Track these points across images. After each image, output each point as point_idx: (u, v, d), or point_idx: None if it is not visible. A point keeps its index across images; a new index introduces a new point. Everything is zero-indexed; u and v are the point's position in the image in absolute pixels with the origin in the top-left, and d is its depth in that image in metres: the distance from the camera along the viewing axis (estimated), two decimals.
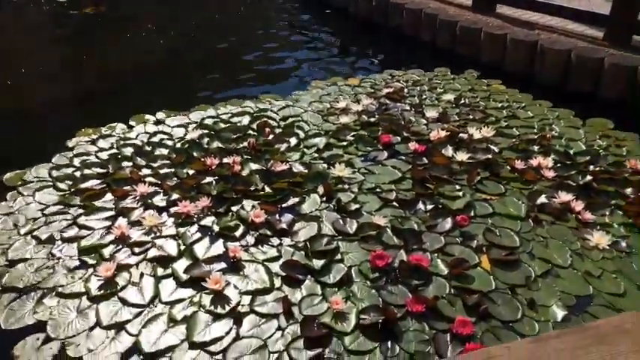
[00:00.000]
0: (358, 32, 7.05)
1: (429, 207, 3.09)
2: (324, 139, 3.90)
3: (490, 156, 3.61)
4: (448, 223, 2.93)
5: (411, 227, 2.91)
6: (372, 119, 4.20)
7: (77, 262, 2.68)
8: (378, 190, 3.28)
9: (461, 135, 3.89)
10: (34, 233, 2.87)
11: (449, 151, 3.67)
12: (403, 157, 3.65)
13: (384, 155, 3.69)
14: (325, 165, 3.56)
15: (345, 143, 3.86)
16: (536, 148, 3.77)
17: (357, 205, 3.11)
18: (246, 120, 4.25)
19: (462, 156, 3.55)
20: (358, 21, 7.08)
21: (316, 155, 3.71)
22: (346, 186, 3.32)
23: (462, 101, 4.56)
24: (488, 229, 2.89)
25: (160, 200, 3.18)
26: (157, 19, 7.37)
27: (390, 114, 4.32)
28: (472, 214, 3.03)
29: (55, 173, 3.45)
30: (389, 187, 3.31)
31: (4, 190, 3.28)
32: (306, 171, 3.48)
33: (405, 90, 4.81)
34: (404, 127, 4.05)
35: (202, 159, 3.58)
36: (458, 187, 3.29)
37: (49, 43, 6.62)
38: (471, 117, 4.25)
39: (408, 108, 4.45)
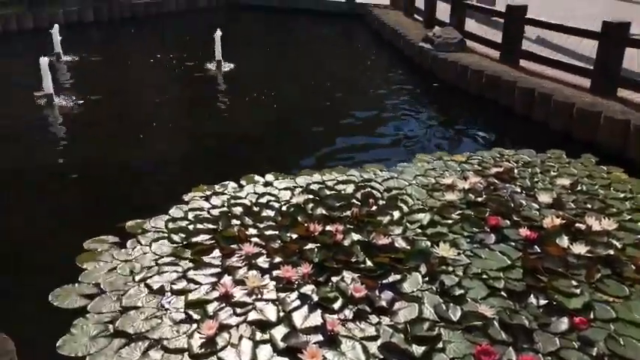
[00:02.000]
0: (466, 107, 7.02)
1: (542, 302, 2.88)
2: (428, 216, 3.83)
3: (612, 252, 3.33)
4: (564, 324, 2.70)
5: (521, 323, 2.72)
6: (480, 199, 4.08)
7: (183, 316, 2.78)
8: (484, 276, 3.13)
9: (578, 225, 3.64)
10: (147, 282, 3.04)
11: (564, 241, 3.44)
12: (513, 243, 3.48)
13: (492, 239, 3.53)
14: (429, 243, 3.48)
15: (450, 222, 3.76)
16: None
17: (462, 291, 2.98)
18: (350, 188, 4.30)
19: (580, 249, 3.31)
20: (467, 96, 7.06)
21: (419, 231, 3.65)
22: (450, 268, 3.20)
23: (579, 188, 4.31)
24: (610, 337, 2.63)
25: (263, 262, 3.25)
26: (275, 83, 7.83)
27: (498, 195, 4.17)
28: (591, 316, 2.78)
29: (170, 225, 3.67)
30: (497, 274, 3.14)
31: (126, 236, 3.53)
32: (409, 247, 3.41)
33: (516, 171, 4.65)
34: (514, 211, 3.88)
35: (306, 224, 3.64)
36: (575, 283, 3.05)
37: (174, 102, 7.23)
38: (589, 206, 3.99)
39: (518, 190, 4.27)
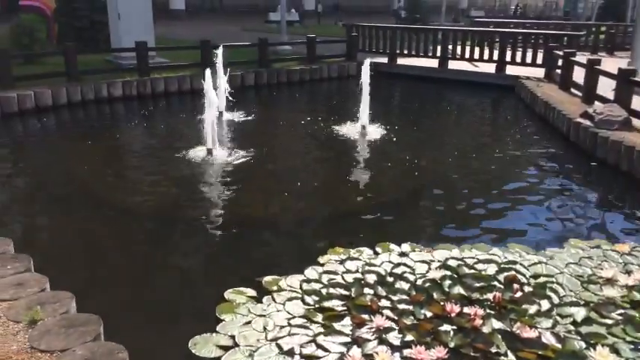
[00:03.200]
0: (630, 192, 6.32)
1: None
2: (582, 311, 3.41)
3: None
4: None
5: None
6: None
7: None
8: None
9: None
10: (279, 342, 3.06)
11: None
12: None
13: None
14: (583, 343, 3.08)
15: (609, 322, 3.31)
16: None
17: None
18: (492, 269, 4.02)
19: None
20: (631, 179, 6.37)
21: (572, 328, 3.26)
22: None
23: None
24: None
25: (394, 337, 3.12)
26: (418, 150, 7.81)
27: None
28: None
29: (305, 286, 3.71)
30: None
31: (263, 290, 3.65)
32: (559, 345, 3.05)
33: None
34: None
35: (442, 303, 3.45)
36: None
37: (319, 162, 7.52)
38: None
39: None
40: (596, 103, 8.33)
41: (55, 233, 5.02)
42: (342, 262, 4.13)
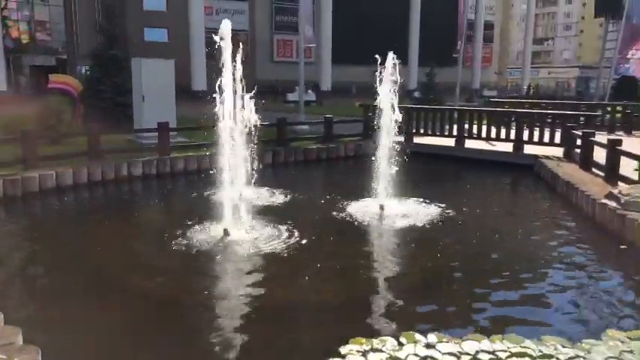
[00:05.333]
0: None
1: None
2: None
3: None
4: None
5: None
6: None
7: None
8: None
9: None
10: None
11: None
12: None
13: None
14: None
15: None
16: None
17: None
18: None
19: None
20: None
21: None
22: None
23: None
24: None
25: None
26: (441, 232, 7.63)
27: None
28: None
29: None
30: None
31: None
32: None
33: None
34: None
35: None
36: None
37: (335, 242, 7.34)
38: None
39: None
40: (620, 183, 8.18)
41: (66, 321, 4.83)
42: (364, 353, 3.88)
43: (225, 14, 39.18)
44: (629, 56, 25.26)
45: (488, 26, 52.67)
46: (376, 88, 8.59)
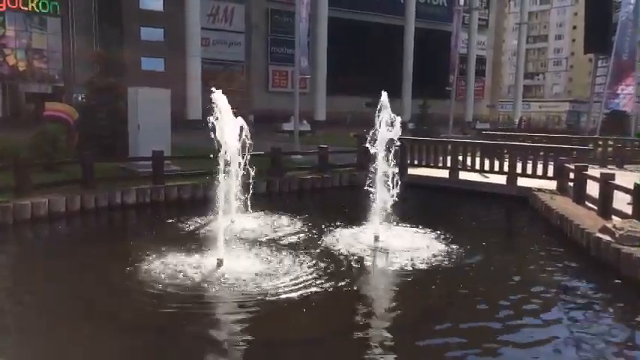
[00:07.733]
0: None
1: None
2: None
3: None
4: None
5: None
6: None
7: None
8: None
9: None
10: None
11: None
12: None
13: None
14: None
15: None
16: None
17: None
18: None
19: None
20: None
21: None
22: None
23: None
24: None
25: None
26: (436, 265, 7.57)
27: None
28: None
29: None
30: None
31: None
32: None
33: None
34: None
35: None
36: None
37: (327, 277, 7.24)
38: None
39: None
40: (616, 218, 8.20)
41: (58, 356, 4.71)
42: None
43: (222, 45, 39.71)
44: (618, 92, 25.67)
45: (481, 61, 53.63)
46: (372, 118, 8.71)
